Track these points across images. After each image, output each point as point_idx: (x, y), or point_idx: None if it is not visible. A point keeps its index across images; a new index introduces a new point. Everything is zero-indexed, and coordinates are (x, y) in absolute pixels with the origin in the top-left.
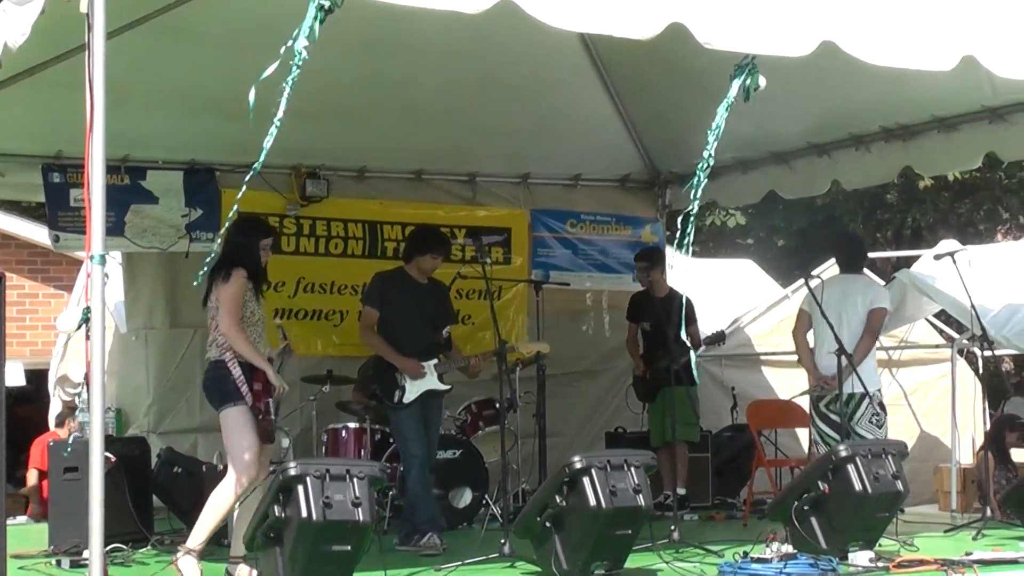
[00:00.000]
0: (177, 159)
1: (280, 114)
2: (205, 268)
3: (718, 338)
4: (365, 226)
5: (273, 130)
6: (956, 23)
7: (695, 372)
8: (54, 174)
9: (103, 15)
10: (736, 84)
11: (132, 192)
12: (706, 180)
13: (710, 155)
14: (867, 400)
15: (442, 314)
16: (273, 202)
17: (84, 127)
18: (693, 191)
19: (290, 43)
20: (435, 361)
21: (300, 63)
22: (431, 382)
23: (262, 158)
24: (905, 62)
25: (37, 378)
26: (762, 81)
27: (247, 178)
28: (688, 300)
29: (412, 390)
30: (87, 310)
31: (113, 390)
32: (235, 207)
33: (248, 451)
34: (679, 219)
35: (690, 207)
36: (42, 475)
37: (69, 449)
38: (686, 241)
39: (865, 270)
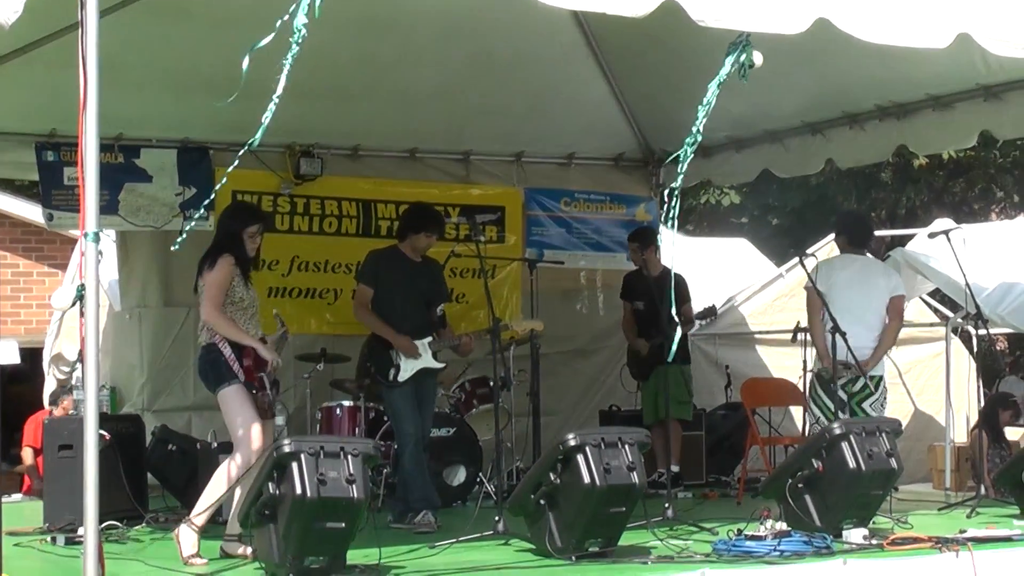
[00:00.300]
0: (171, 138)
1: (279, 91)
2: (180, 240)
3: (709, 312)
4: (359, 204)
5: (272, 107)
6: (951, 1)
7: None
8: (48, 152)
9: None
10: (729, 61)
11: (126, 171)
12: (693, 155)
13: (698, 131)
14: (883, 384)
15: (436, 292)
16: (267, 180)
17: (77, 106)
18: (680, 165)
19: (287, 17)
20: (429, 339)
21: (300, 40)
22: (426, 360)
23: (260, 134)
24: (899, 40)
25: (32, 356)
26: (758, 58)
27: (240, 152)
28: (681, 278)
29: (407, 368)
30: (81, 287)
31: (107, 368)
32: (223, 180)
33: (247, 427)
34: (665, 193)
35: (675, 182)
36: (37, 452)
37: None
38: (671, 215)
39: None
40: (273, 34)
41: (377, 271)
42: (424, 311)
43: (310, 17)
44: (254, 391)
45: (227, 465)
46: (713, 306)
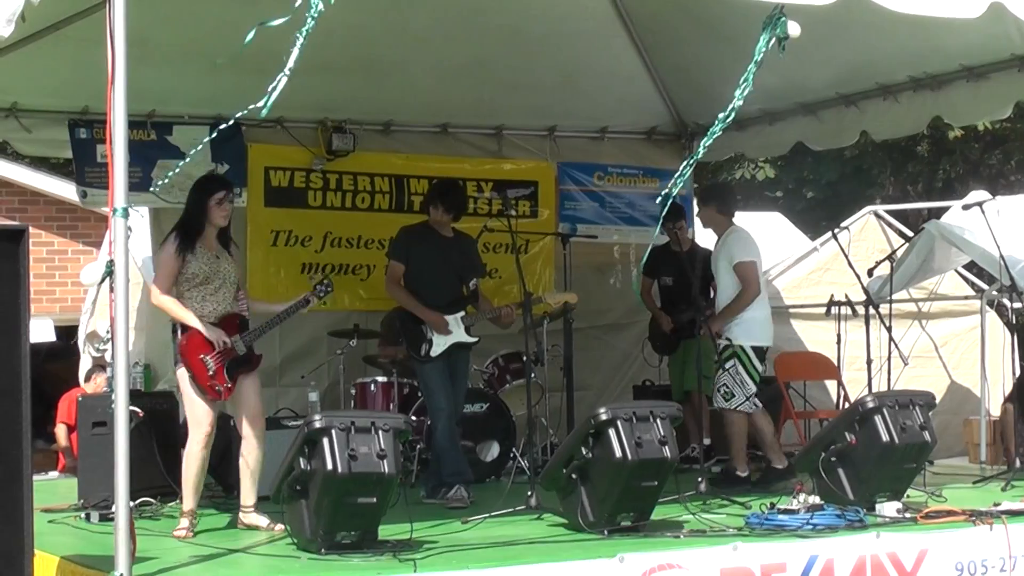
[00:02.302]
0: (203, 114)
1: (291, 64)
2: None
3: None
4: (391, 180)
5: (283, 78)
6: None
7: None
8: (81, 130)
9: None
10: (764, 38)
11: (158, 147)
12: (722, 135)
13: (734, 109)
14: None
15: (468, 266)
16: (299, 156)
17: (107, 82)
18: (707, 138)
19: None
20: (461, 314)
21: (316, 15)
22: (458, 335)
23: (268, 103)
24: (931, 10)
25: (67, 334)
26: (794, 29)
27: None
28: (711, 254)
29: (439, 343)
30: (110, 263)
31: (141, 346)
32: (182, 164)
33: (190, 408)
34: (682, 165)
35: (696, 154)
36: (71, 430)
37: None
38: (678, 183)
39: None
40: (290, 16)
41: (408, 247)
42: (457, 285)
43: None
44: (190, 374)
45: (186, 448)
46: None
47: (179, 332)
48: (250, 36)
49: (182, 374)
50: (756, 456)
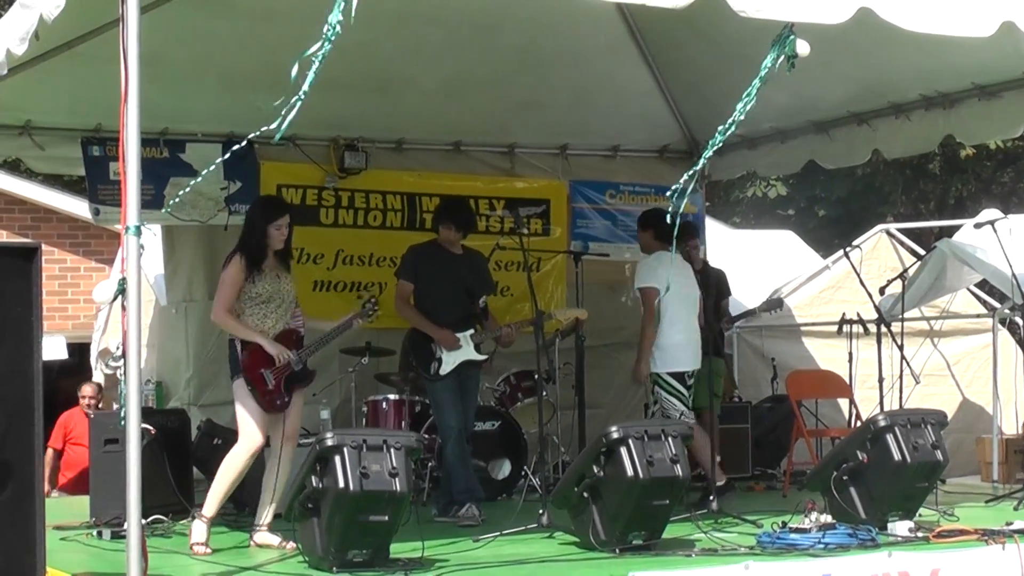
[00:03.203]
0: (216, 131)
1: (305, 87)
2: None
3: (776, 304)
4: (403, 198)
5: (297, 102)
6: None
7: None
8: (94, 147)
9: None
10: (772, 55)
11: (171, 165)
12: (737, 147)
13: (734, 123)
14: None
15: (478, 284)
16: (312, 174)
17: (120, 100)
18: (707, 150)
19: (330, 16)
20: (471, 331)
21: (333, 37)
22: (467, 352)
23: (283, 126)
24: (943, 29)
25: (80, 351)
26: (803, 48)
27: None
28: (723, 273)
29: (448, 361)
30: (123, 281)
31: (153, 363)
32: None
33: (243, 419)
34: (683, 177)
35: (696, 165)
36: (57, 454)
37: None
38: (678, 196)
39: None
40: (323, 40)
41: (417, 266)
42: (466, 303)
43: (346, 15)
44: (250, 387)
45: (229, 456)
46: (780, 298)
47: (239, 347)
48: (294, 73)
49: (239, 385)
50: (699, 476)
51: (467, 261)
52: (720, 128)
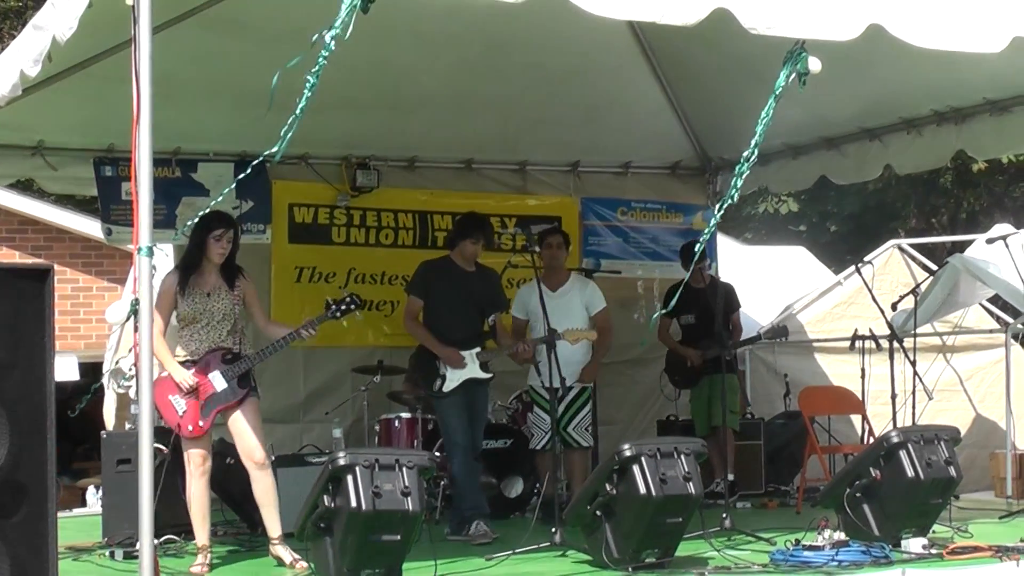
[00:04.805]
0: (228, 151)
1: (302, 104)
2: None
3: (781, 332)
4: (415, 216)
5: (294, 120)
6: (1004, 4)
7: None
8: (106, 167)
9: (149, 8)
10: (784, 73)
11: (183, 185)
12: (748, 171)
13: (756, 146)
14: None
15: (489, 301)
16: (324, 193)
17: (133, 120)
18: (736, 179)
19: (324, 33)
20: (477, 349)
21: (327, 54)
22: (472, 371)
23: (281, 147)
24: (953, 44)
25: (92, 371)
26: (815, 65)
27: (253, 163)
28: (731, 287)
29: (453, 379)
30: (135, 302)
31: None
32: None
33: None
34: (716, 209)
35: (730, 198)
36: None
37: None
38: (711, 226)
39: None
40: (303, 54)
41: (427, 282)
42: (475, 321)
43: (342, 33)
44: (160, 416)
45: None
46: (785, 326)
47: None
48: (275, 81)
49: None
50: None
51: (480, 279)
52: (745, 154)
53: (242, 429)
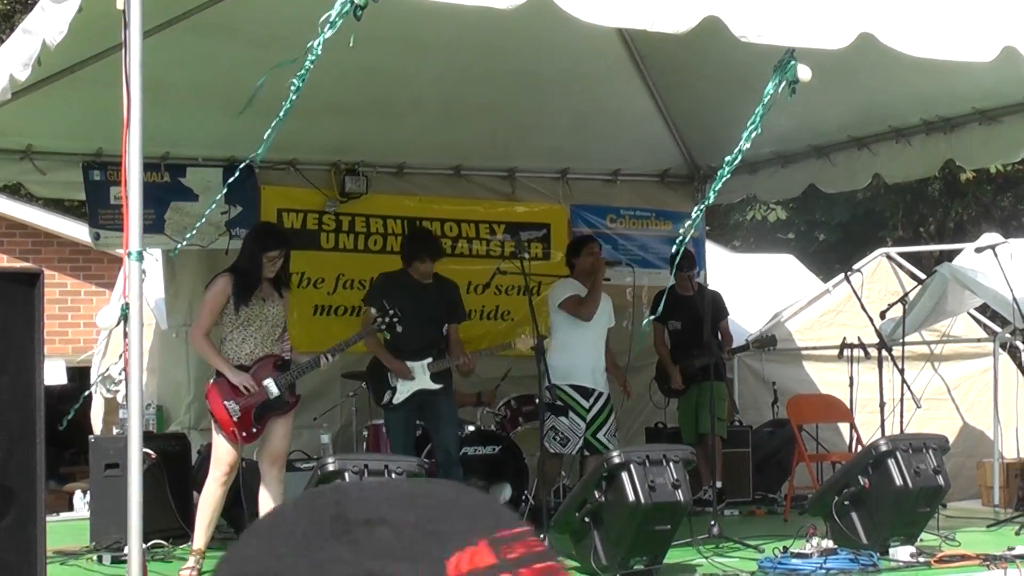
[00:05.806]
0: (217, 156)
1: (287, 105)
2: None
3: (769, 342)
4: (404, 222)
5: (278, 123)
6: (995, 14)
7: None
8: (94, 172)
9: (139, 12)
10: (774, 82)
11: (172, 190)
12: (738, 171)
13: (740, 152)
14: None
15: (447, 312)
16: (312, 198)
17: (123, 125)
18: (715, 182)
19: (323, 34)
20: (428, 360)
21: (313, 59)
22: (422, 382)
23: (262, 151)
24: (944, 54)
25: (80, 376)
26: (805, 73)
27: (240, 166)
28: (719, 295)
29: (402, 390)
30: (125, 306)
31: (154, 387)
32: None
33: (215, 445)
34: (694, 211)
35: (706, 200)
36: None
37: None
38: (689, 229)
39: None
40: (295, 59)
41: (383, 293)
42: (430, 332)
43: (332, 28)
44: (213, 419)
45: (204, 486)
46: (773, 336)
47: (214, 375)
48: (260, 82)
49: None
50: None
51: (435, 290)
52: (727, 159)
53: (276, 438)
